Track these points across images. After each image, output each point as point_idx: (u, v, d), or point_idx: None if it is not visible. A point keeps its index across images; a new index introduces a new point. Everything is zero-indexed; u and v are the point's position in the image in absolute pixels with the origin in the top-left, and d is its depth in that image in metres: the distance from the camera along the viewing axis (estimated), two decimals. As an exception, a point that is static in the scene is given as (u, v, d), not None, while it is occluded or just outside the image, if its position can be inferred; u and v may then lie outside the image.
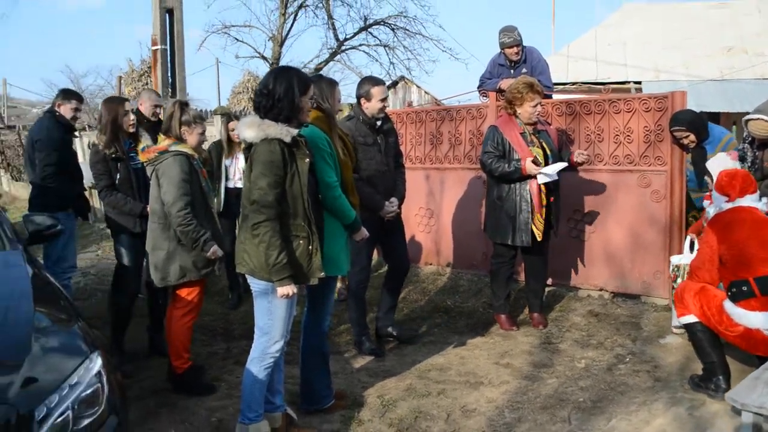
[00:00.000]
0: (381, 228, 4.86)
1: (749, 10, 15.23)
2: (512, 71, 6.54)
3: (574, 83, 13.61)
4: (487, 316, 5.63)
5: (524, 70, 6.52)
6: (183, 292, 4.29)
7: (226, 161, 6.33)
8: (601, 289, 5.84)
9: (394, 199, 4.88)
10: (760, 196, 4.65)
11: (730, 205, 3.97)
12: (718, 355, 3.94)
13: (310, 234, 3.38)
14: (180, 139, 4.31)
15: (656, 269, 5.53)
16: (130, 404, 3.97)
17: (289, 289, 3.29)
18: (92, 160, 4.87)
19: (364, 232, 4.00)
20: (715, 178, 4.20)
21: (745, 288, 3.68)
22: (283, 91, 3.32)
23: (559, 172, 5.11)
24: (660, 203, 5.52)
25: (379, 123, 4.86)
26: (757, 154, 4.74)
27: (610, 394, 4.10)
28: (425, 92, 26.99)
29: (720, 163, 4.60)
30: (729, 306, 3.75)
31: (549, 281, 6.01)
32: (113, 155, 4.78)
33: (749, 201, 3.93)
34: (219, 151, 6.34)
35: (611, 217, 5.78)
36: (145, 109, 5.51)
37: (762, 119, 4.54)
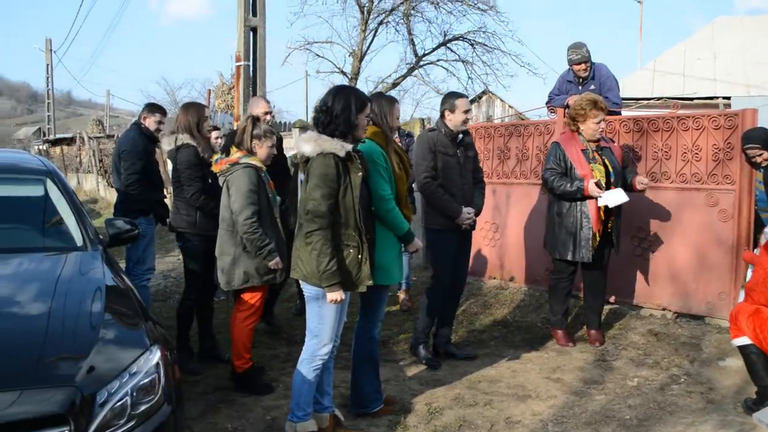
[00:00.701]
0: (458, 240, 5.02)
1: None
2: (580, 87, 6.55)
3: (659, 98, 13.29)
4: (544, 331, 5.67)
5: (592, 87, 6.51)
6: (246, 296, 4.56)
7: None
8: (663, 309, 5.77)
9: (470, 209, 4.99)
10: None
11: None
12: (772, 380, 3.87)
13: (360, 244, 3.57)
14: (250, 152, 4.59)
15: (721, 290, 5.42)
16: (194, 399, 4.32)
17: (338, 294, 3.49)
18: (186, 161, 4.89)
19: (418, 244, 4.16)
20: None
21: (797, 311, 3.62)
22: (340, 109, 3.54)
23: (626, 194, 5.10)
24: (727, 223, 5.41)
25: (460, 136, 5.02)
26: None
27: (658, 413, 4.08)
28: (509, 106, 26.96)
29: None
30: (782, 329, 3.69)
31: (611, 299, 5.99)
32: (209, 160, 4.86)
33: (808, 223, 3.85)
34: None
35: (676, 236, 5.70)
36: (257, 114, 5.35)
37: None
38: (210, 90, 17.61)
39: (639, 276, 5.92)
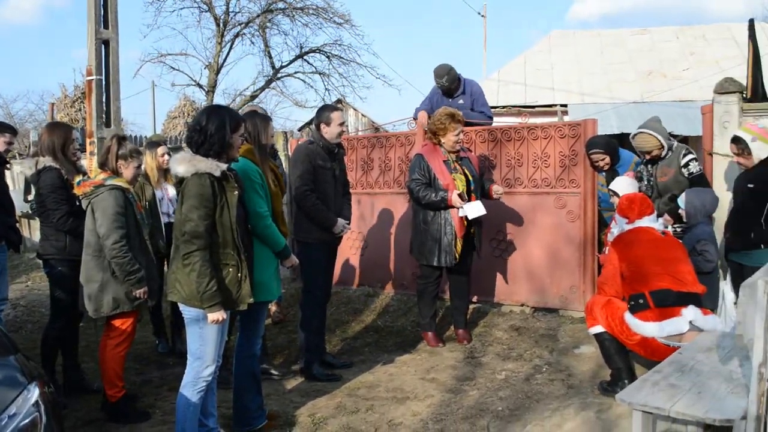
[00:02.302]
0: (329, 251, 5.15)
1: (668, 36, 16.13)
2: (450, 100, 6.84)
3: (504, 107, 14.11)
4: (415, 334, 5.90)
5: (461, 101, 6.84)
6: (117, 323, 4.41)
7: (157, 192, 5.84)
8: (522, 305, 6.20)
9: (344, 220, 5.12)
10: (658, 216, 5.13)
11: (630, 226, 4.37)
12: (623, 362, 4.32)
13: (240, 262, 3.59)
14: (116, 173, 4.45)
15: (572, 284, 5.92)
16: (66, 433, 4.10)
17: (220, 315, 3.48)
18: (50, 185, 4.64)
19: (294, 259, 4.23)
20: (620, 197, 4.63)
21: (641, 301, 4.06)
22: (215, 129, 3.53)
23: (484, 203, 5.43)
24: (575, 223, 5.92)
25: (336, 149, 5.14)
26: (650, 171, 5.21)
27: (526, 402, 4.40)
28: (362, 115, 27.50)
29: (625, 183, 5.06)
30: (628, 317, 4.12)
31: (474, 299, 6.34)
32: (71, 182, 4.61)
33: (647, 222, 4.33)
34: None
35: (531, 237, 6.15)
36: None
37: (645, 133, 5.04)
38: (52, 104, 16.58)
39: (499, 276, 6.33)
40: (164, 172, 5.88)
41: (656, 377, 3.08)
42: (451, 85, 6.69)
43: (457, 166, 5.49)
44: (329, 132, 5.04)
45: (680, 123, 10.44)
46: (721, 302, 4.37)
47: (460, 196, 5.28)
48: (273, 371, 5.19)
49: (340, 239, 5.19)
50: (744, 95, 5.40)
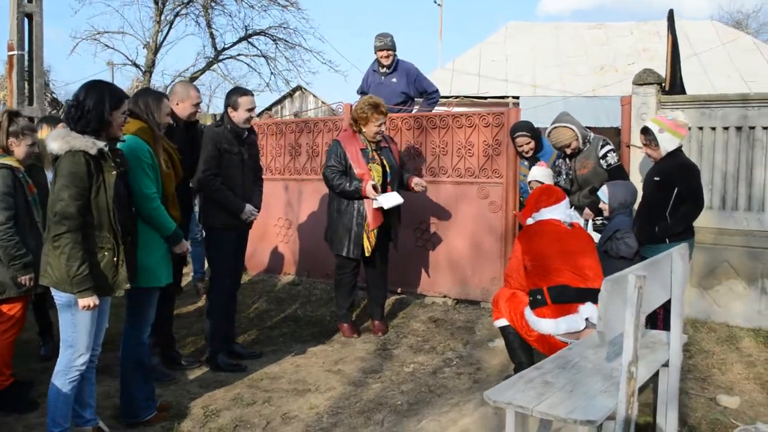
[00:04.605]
0: (238, 238, 4.97)
1: (623, 32, 16.18)
2: (383, 78, 6.72)
3: (457, 97, 14.03)
4: (333, 325, 5.76)
5: (394, 80, 6.72)
6: (4, 308, 4.19)
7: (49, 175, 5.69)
8: (444, 296, 6.11)
9: (252, 206, 4.95)
10: (578, 209, 5.05)
11: (536, 218, 4.27)
12: (526, 356, 4.21)
13: (116, 246, 3.41)
14: (6, 151, 4.23)
15: (493, 276, 5.84)
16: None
17: (91, 300, 3.30)
18: None
19: (185, 245, 4.05)
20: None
21: (539, 296, 3.95)
22: (93, 104, 3.36)
23: (402, 194, 5.31)
24: (497, 214, 5.83)
25: (246, 134, 4.95)
26: (569, 164, 5.13)
27: (428, 396, 4.30)
28: (323, 102, 27.21)
29: (544, 172, 5.00)
30: (527, 313, 4.02)
31: (398, 290, 6.23)
32: None
33: (550, 213, 4.21)
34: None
35: (454, 227, 6.05)
36: (183, 109, 4.81)
37: (560, 126, 4.97)
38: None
39: (422, 266, 6.22)
40: None
41: (533, 374, 2.98)
42: (393, 48, 6.65)
43: (376, 156, 5.35)
44: (237, 116, 4.86)
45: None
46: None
47: (374, 187, 5.14)
48: (183, 361, 5.02)
49: (249, 225, 5.01)
50: (663, 87, 5.34)
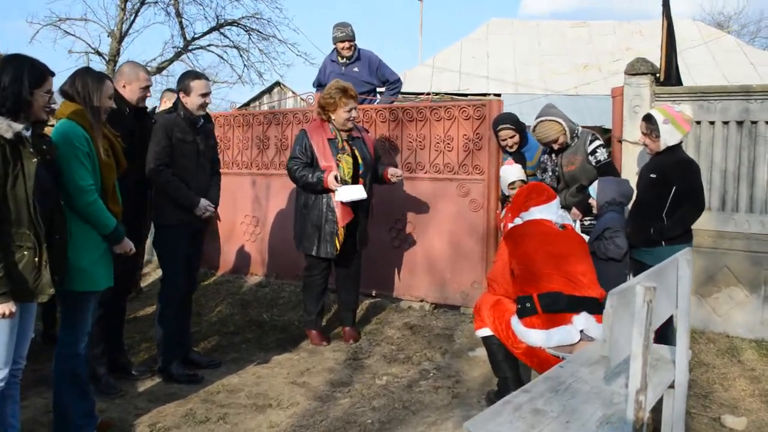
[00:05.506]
0: (191, 236, 4.50)
1: (606, 30, 15.95)
2: (344, 69, 6.35)
3: (437, 93, 13.65)
4: (301, 331, 5.32)
5: (356, 69, 6.35)
6: None
7: None
8: (422, 300, 5.69)
9: (207, 201, 4.49)
10: (566, 209, 4.63)
11: (525, 218, 3.86)
12: (512, 370, 3.80)
13: (38, 244, 2.94)
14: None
15: (474, 279, 5.43)
16: None
17: (7, 307, 2.84)
18: None
19: (127, 245, 3.58)
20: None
21: (528, 304, 3.52)
22: (8, 81, 2.91)
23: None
24: (478, 212, 5.43)
25: (201, 122, 4.51)
26: (555, 161, 4.73)
27: (401, 414, 3.88)
28: (302, 99, 26.68)
29: (515, 170, 4.64)
30: (514, 322, 3.59)
31: (372, 293, 5.81)
32: None
33: (540, 213, 3.81)
34: None
35: (432, 227, 5.64)
36: (131, 92, 4.34)
37: (547, 120, 4.58)
38: None
39: (397, 268, 5.80)
40: None
41: (522, 399, 2.55)
42: (353, 36, 6.37)
43: (346, 146, 4.92)
44: (190, 102, 4.41)
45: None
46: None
47: (336, 178, 4.71)
48: (134, 371, 4.55)
49: (205, 223, 4.55)
50: (657, 77, 4.95)
